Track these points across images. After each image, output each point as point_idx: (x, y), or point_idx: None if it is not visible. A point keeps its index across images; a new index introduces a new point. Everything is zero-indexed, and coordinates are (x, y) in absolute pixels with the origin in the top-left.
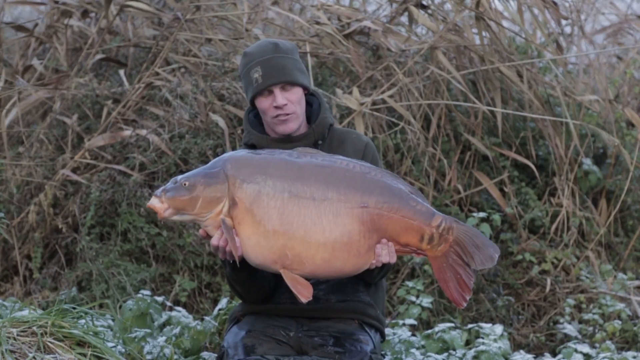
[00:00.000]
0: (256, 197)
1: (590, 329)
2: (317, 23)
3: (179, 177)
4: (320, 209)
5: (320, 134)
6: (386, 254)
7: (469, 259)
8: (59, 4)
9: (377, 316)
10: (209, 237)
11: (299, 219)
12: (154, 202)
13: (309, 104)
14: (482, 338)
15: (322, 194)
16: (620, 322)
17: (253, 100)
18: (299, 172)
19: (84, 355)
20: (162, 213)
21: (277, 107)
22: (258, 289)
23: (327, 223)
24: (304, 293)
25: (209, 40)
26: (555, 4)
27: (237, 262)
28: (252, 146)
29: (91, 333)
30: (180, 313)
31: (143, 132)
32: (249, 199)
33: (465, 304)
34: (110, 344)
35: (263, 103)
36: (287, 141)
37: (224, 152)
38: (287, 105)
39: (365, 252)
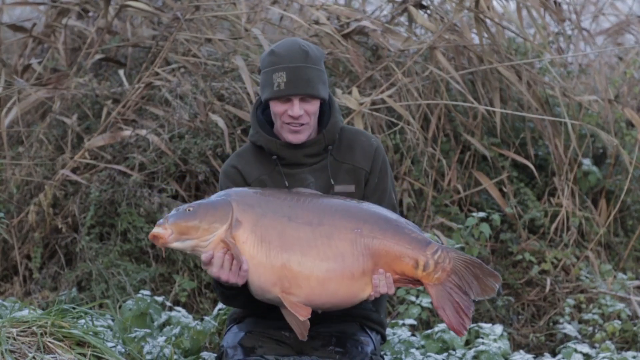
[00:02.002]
0: (259, 219)
1: (590, 329)
2: (317, 23)
3: (182, 205)
4: (316, 233)
5: (330, 139)
6: (384, 284)
7: (467, 288)
8: (57, 3)
9: (379, 320)
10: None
11: (297, 241)
12: (157, 230)
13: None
14: (482, 338)
15: (318, 220)
16: (620, 322)
17: (267, 100)
18: (297, 201)
19: (84, 355)
20: (165, 238)
21: (291, 116)
22: (254, 308)
23: (322, 245)
24: (302, 312)
25: (209, 40)
26: (556, 3)
27: (246, 268)
28: (259, 147)
29: (91, 333)
30: (180, 313)
31: (143, 132)
32: (252, 220)
33: (465, 332)
34: (110, 344)
35: (278, 107)
36: (298, 146)
37: (223, 152)
38: (302, 117)
39: (360, 276)
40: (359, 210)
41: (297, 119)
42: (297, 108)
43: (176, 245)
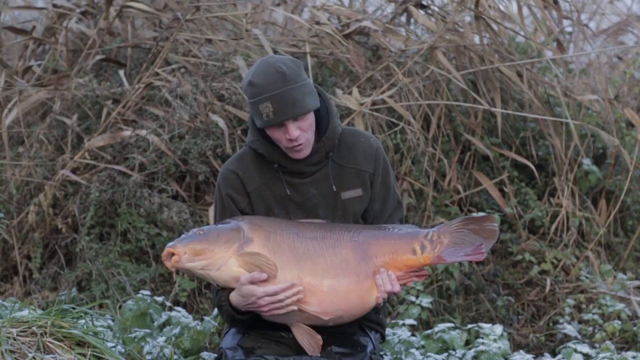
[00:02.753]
0: (269, 235)
1: (590, 329)
2: (317, 23)
3: (192, 230)
4: (322, 244)
5: (330, 145)
6: (387, 282)
7: (472, 243)
8: (58, 8)
9: (378, 320)
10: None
11: (306, 252)
12: (170, 250)
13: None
14: (482, 338)
15: (321, 234)
16: (620, 322)
17: (262, 128)
18: (301, 224)
19: (84, 355)
20: (179, 257)
21: (290, 139)
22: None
23: (328, 254)
24: (312, 348)
25: (209, 40)
26: (556, 2)
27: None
28: (260, 155)
29: (91, 333)
30: (180, 313)
31: (143, 132)
32: (264, 236)
33: (485, 255)
34: (110, 344)
35: (275, 134)
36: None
37: (223, 152)
38: (300, 136)
39: (364, 278)
40: (353, 226)
41: (296, 140)
42: (293, 130)
43: (188, 265)
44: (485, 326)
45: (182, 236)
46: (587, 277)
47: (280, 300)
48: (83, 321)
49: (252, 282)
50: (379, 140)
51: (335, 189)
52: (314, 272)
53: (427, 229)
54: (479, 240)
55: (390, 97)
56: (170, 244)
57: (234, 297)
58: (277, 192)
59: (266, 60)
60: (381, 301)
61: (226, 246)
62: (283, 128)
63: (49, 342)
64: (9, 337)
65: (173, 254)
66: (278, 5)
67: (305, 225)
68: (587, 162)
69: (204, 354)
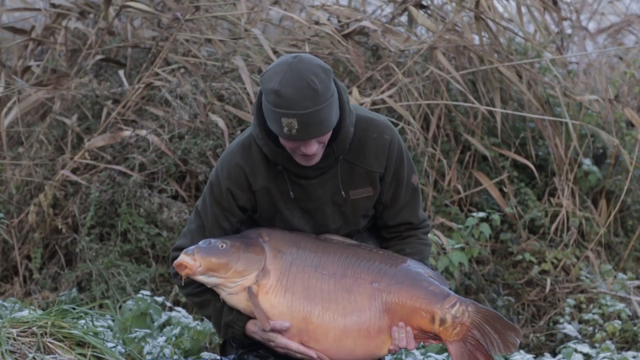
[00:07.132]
0: (287, 267)
1: (590, 329)
2: (317, 23)
3: (214, 239)
4: (338, 285)
5: (341, 150)
6: (403, 337)
7: (488, 344)
8: (56, 7)
9: None
10: None
11: (320, 293)
12: (185, 259)
13: None
14: None
15: (342, 271)
16: (620, 322)
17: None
18: (325, 248)
19: (84, 355)
20: (192, 270)
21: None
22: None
23: (342, 299)
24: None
25: (209, 40)
26: (555, 3)
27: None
28: (263, 154)
29: (91, 333)
30: (180, 313)
31: (143, 132)
32: (281, 269)
33: None
34: (110, 344)
35: (289, 144)
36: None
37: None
38: (317, 151)
39: (376, 334)
40: (380, 261)
41: (312, 155)
42: (313, 148)
43: (201, 278)
44: None
45: (203, 243)
46: (587, 277)
47: (295, 357)
48: (83, 321)
49: (275, 330)
50: (393, 129)
51: (344, 194)
52: (323, 319)
53: (455, 297)
54: (496, 342)
55: (390, 97)
56: (188, 249)
57: (252, 328)
58: (283, 191)
59: (297, 68)
60: (394, 353)
61: (243, 272)
62: (300, 141)
63: (49, 342)
64: (9, 338)
65: (186, 267)
66: (276, 3)
67: (328, 256)
68: (587, 162)
69: (204, 354)
